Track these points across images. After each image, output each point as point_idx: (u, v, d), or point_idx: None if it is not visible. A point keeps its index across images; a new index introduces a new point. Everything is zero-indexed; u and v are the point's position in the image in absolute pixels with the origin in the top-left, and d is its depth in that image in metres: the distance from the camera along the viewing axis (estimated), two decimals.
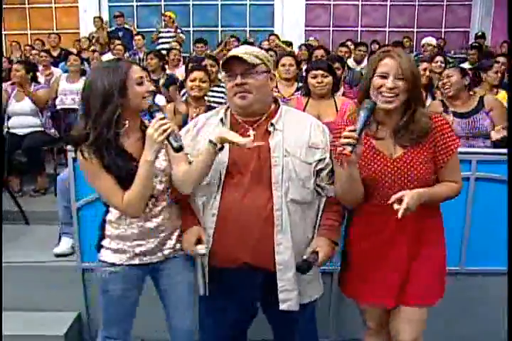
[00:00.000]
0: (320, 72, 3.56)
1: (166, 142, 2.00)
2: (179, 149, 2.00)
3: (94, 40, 9.08)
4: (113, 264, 2.19)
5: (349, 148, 1.88)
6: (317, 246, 2.19)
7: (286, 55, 5.00)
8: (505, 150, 3.17)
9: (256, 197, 2.11)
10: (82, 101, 2.07)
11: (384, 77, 2.04)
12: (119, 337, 2.30)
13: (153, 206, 2.17)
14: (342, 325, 3.25)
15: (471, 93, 3.89)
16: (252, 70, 2.12)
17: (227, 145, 2.11)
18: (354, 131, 1.91)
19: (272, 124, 2.18)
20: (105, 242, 2.21)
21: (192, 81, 3.85)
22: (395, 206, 1.94)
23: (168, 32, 8.95)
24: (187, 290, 2.29)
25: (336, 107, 3.55)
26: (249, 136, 2.12)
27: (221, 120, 2.23)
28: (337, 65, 4.40)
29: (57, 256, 3.46)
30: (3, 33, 9.85)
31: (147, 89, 2.10)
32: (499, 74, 4.65)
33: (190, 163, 2.16)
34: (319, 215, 2.25)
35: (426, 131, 2.08)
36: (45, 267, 3.37)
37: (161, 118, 1.99)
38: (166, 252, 2.24)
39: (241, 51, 2.16)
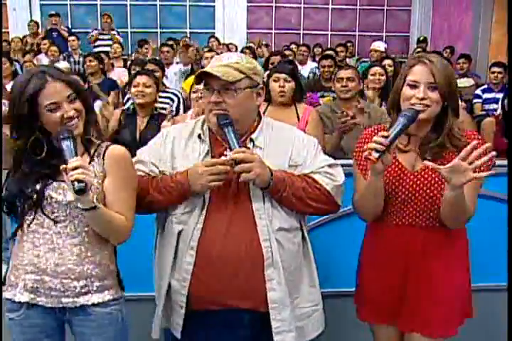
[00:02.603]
0: (283, 75, 3.29)
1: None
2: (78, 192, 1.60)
3: (28, 46, 8.60)
4: (10, 307, 1.79)
5: (376, 154, 1.71)
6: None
7: None
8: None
9: (240, 228, 1.84)
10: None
11: (414, 86, 1.84)
12: None
13: (57, 237, 1.76)
14: None
15: None
16: (230, 87, 1.83)
17: None
18: (386, 137, 1.73)
19: (251, 140, 1.92)
20: (8, 272, 1.82)
21: (135, 86, 3.54)
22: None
23: (104, 34, 8.67)
24: None
25: (298, 115, 3.30)
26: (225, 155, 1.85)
27: (199, 136, 1.93)
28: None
29: None
30: None
31: (64, 114, 1.71)
32: None
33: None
34: (305, 238, 2.00)
35: (456, 149, 1.84)
36: None
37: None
38: (64, 300, 1.76)
39: (218, 64, 1.87)
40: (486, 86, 6.04)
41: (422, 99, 1.82)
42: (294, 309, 1.92)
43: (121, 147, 1.86)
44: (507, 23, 6.65)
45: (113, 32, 8.75)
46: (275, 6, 10.42)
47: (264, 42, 8.97)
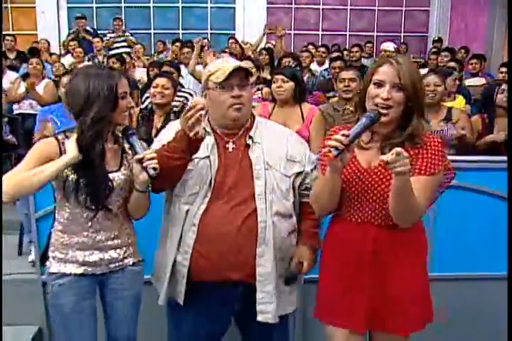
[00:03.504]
0: (280, 76, 3.56)
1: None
2: (153, 177, 2.01)
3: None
4: (59, 276, 2.13)
5: (335, 152, 1.77)
6: (300, 256, 2.21)
7: (245, 58, 5.03)
8: (470, 158, 3.26)
9: (239, 208, 2.10)
10: (72, 102, 2.03)
11: (380, 85, 1.89)
12: None
13: (102, 219, 2.12)
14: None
15: (442, 103, 3.97)
16: (246, 82, 2.12)
17: (215, 157, 2.13)
18: (347, 136, 1.78)
19: (250, 137, 2.17)
20: (50, 252, 2.17)
21: (155, 87, 3.81)
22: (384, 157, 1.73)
23: (118, 36, 8.93)
24: (131, 305, 2.27)
25: (302, 115, 3.54)
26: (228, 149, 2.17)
27: (205, 129, 2.12)
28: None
29: (32, 263, 3.38)
30: None
31: (127, 104, 2.06)
32: (457, 82, 4.76)
33: None
34: (296, 226, 2.25)
35: (416, 145, 1.92)
36: (4, 280, 3.27)
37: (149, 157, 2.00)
38: (111, 265, 2.19)
39: (234, 64, 2.13)
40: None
41: (386, 99, 1.86)
42: (277, 285, 2.16)
43: None
44: (507, 23, 6.76)
45: (126, 34, 8.98)
46: (294, 7, 10.59)
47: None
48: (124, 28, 9.01)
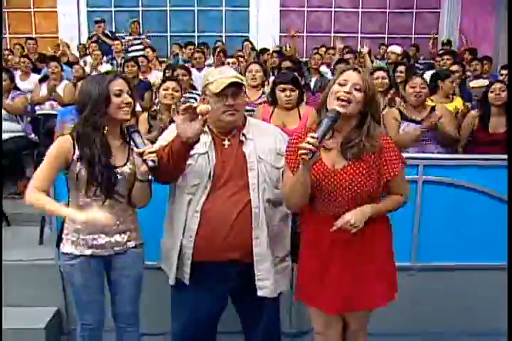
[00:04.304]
0: (289, 86, 3.78)
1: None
2: (153, 169, 2.34)
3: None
4: (72, 257, 2.47)
5: (310, 155, 1.98)
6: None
7: (253, 62, 5.30)
8: (450, 156, 3.50)
9: (236, 197, 2.42)
10: (77, 105, 2.44)
11: (343, 84, 2.13)
12: (94, 323, 2.58)
13: (110, 207, 2.44)
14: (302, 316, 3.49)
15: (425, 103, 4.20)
16: (239, 91, 2.44)
17: (213, 153, 2.44)
18: (316, 138, 1.98)
19: (243, 134, 2.49)
20: (64, 235, 2.50)
21: (165, 90, 4.17)
22: (339, 224, 2.15)
23: (135, 39, 9.28)
24: (133, 282, 2.61)
25: (300, 116, 3.80)
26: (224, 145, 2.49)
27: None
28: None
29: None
30: None
31: (123, 100, 2.36)
32: (455, 84, 4.95)
33: None
34: (289, 213, 2.56)
35: (372, 150, 2.17)
36: (26, 266, 3.60)
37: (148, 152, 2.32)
38: (116, 248, 2.52)
39: (230, 75, 2.43)
40: None
41: (348, 92, 2.10)
42: (272, 264, 2.47)
43: None
44: (507, 23, 6.88)
45: (142, 36, 9.34)
46: (307, 10, 10.82)
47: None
48: (141, 30, 9.35)
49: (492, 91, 4.18)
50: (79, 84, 4.12)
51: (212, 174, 2.43)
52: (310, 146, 1.98)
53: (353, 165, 2.19)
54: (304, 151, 1.98)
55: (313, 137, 1.99)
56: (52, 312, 3.51)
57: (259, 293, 2.47)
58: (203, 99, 2.48)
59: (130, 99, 2.39)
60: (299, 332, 3.48)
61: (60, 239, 2.55)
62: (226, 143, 2.48)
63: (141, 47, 8.99)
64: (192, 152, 2.39)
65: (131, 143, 2.43)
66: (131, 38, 9.29)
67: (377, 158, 2.20)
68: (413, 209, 3.38)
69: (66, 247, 2.49)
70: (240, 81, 2.41)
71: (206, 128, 2.46)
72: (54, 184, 3.21)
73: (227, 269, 2.45)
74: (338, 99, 2.12)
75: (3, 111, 5.20)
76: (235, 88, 2.40)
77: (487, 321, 3.45)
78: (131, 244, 2.57)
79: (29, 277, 3.55)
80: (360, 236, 2.22)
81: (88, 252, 2.48)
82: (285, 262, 2.60)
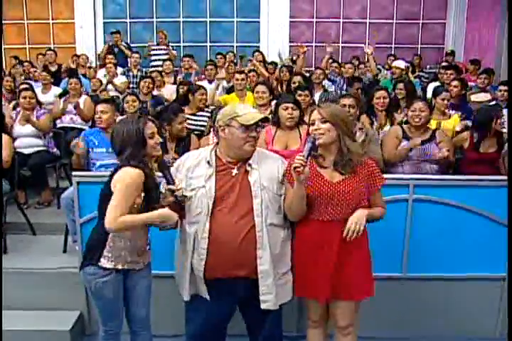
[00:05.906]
0: (291, 105, 4.07)
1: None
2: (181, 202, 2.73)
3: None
4: (107, 273, 2.74)
5: (299, 169, 2.49)
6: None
7: (259, 83, 5.63)
8: (439, 177, 3.78)
9: (241, 222, 2.70)
10: (115, 147, 2.76)
11: (313, 123, 2.70)
12: (116, 328, 2.92)
13: (143, 229, 2.81)
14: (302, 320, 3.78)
15: (428, 126, 4.43)
16: (260, 125, 2.81)
17: (213, 181, 2.73)
18: (303, 156, 2.53)
19: (249, 164, 2.77)
20: (106, 251, 2.77)
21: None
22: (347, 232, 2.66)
23: (160, 49, 9.54)
24: (145, 290, 2.94)
25: (301, 136, 4.07)
26: (232, 173, 2.78)
27: (208, 162, 2.76)
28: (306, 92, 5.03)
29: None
30: (3, 46, 10.33)
31: (156, 141, 2.77)
32: (445, 102, 5.16)
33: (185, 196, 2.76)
34: (289, 234, 2.85)
35: (360, 163, 2.69)
36: (52, 273, 3.95)
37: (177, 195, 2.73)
38: (145, 262, 2.88)
39: (255, 111, 2.83)
40: (494, 102, 6.22)
41: (316, 129, 2.66)
42: (275, 279, 2.76)
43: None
44: (507, 23, 7.00)
45: (170, 47, 9.59)
46: (316, 21, 11.16)
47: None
48: (166, 41, 9.66)
49: (499, 118, 4.46)
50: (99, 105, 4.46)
51: (212, 202, 2.71)
52: (300, 161, 2.50)
53: (349, 177, 2.69)
54: (296, 165, 2.51)
55: (300, 155, 2.55)
56: (76, 315, 3.84)
57: (263, 306, 2.74)
58: (219, 128, 2.77)
59: (161, 139, 2.80)
60: (299, 336, 3.75)
61: (97, 255, 2.78)
62: (234, 171, 2.77)
63: (165, 57, 9.20)
64: (192, 186, 2.74)
65: (161, 174, 2.77)
66: (156, 47, 9.58)
67: (365, 176, 2.72)
68: (403, 226, 3.67)
69: (106, 263, 2.74)
70: (268, 117, 2.78)
71: (213, 159, 2.78)
72: (78, 196, 3.58)
73: (236, 284, 2.75)
74: (314, 135, 2.67)
75: (30, 128, 5.54)
76: (260, 122, 2.78)
77: (470, 326, 3.80)
78: (147, 259, 2.93)
79: (54, 283, 3.88)
80: (343, 240, 2.69)
81: (125, 267, 2.79)
82: (287, 276, 2.86)
